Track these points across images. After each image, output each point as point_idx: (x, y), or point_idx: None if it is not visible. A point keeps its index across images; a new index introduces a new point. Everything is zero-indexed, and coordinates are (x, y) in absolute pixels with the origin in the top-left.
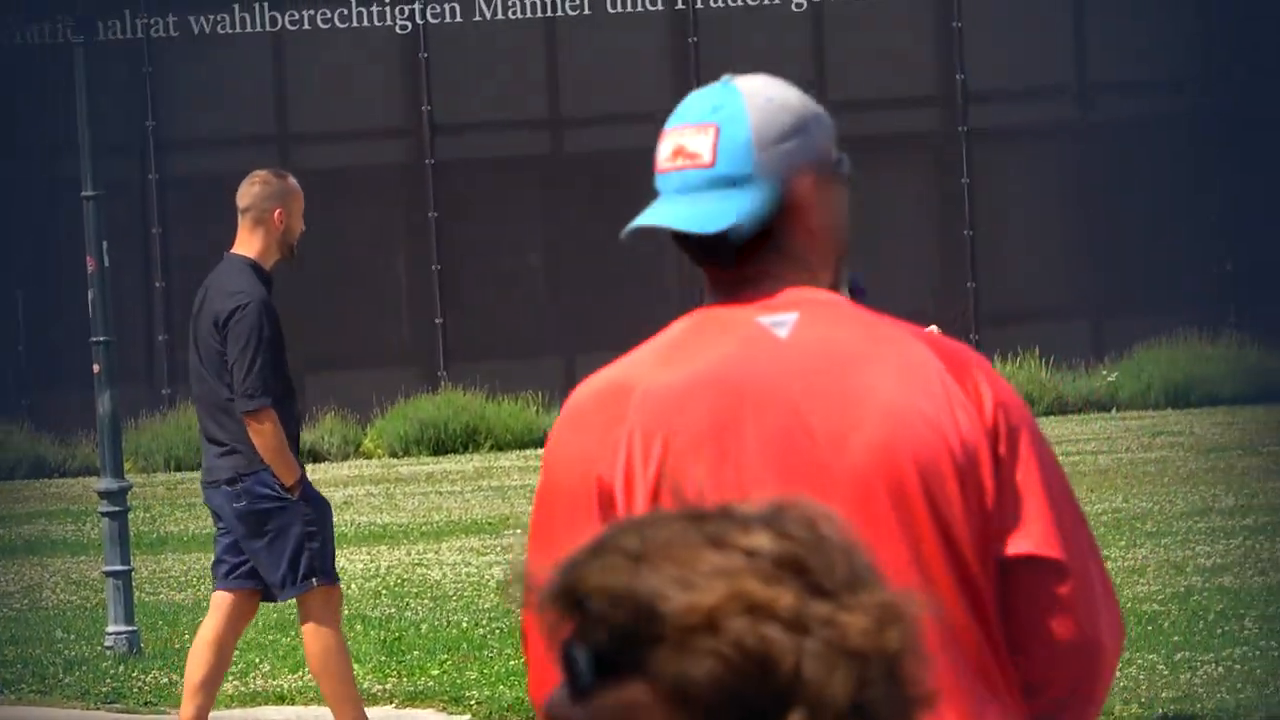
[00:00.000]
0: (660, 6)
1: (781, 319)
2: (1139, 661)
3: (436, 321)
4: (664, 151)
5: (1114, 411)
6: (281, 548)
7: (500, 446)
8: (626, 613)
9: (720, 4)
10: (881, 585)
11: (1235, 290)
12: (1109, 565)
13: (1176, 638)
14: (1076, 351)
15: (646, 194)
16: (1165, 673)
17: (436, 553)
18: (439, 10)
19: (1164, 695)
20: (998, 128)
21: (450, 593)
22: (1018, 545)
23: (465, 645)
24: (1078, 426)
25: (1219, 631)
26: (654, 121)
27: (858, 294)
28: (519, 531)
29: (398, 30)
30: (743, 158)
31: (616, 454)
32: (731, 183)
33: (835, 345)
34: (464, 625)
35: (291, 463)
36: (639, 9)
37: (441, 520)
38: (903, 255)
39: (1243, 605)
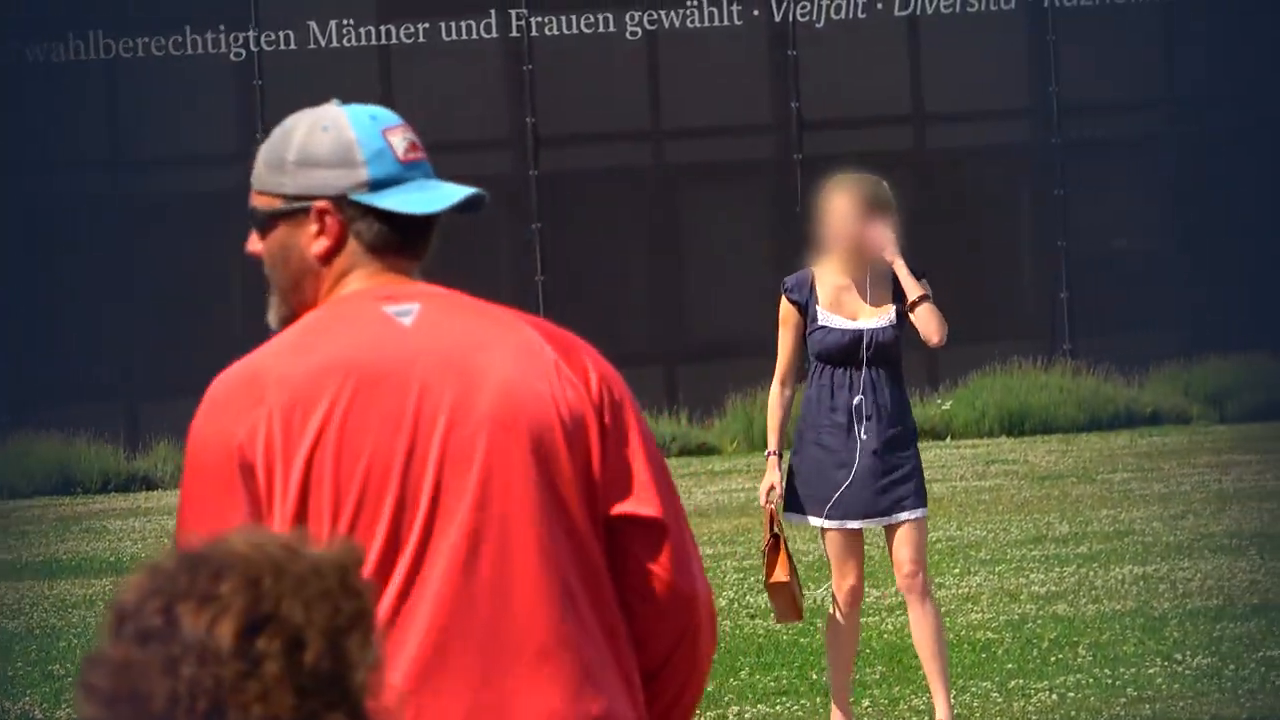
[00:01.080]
0: (495, 34)
1: (406, 309)
2: (973, 689)
3: None
4: (401, 145)
5: (949, 440)
6: None
7: None
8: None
9: (555, 32)
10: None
11: (1069, 318)
12: (943, 593)
13: (1010, 665)
14: (911, 379)
15: (483, 220)
16: (999, 700)
17: None
18: (274, 38)
19: None
20: (833, 156)
21: None
22: (621, 506)
23: None
24: None
25: (1053, 659)
26: (492, 149)
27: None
28: None
29: (232, 58)
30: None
31: (257, 434)
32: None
33: (455, 332)
34: None
35: None
36: (474, 37)
37: None
38: (739, 282)
39: (1076, 633)
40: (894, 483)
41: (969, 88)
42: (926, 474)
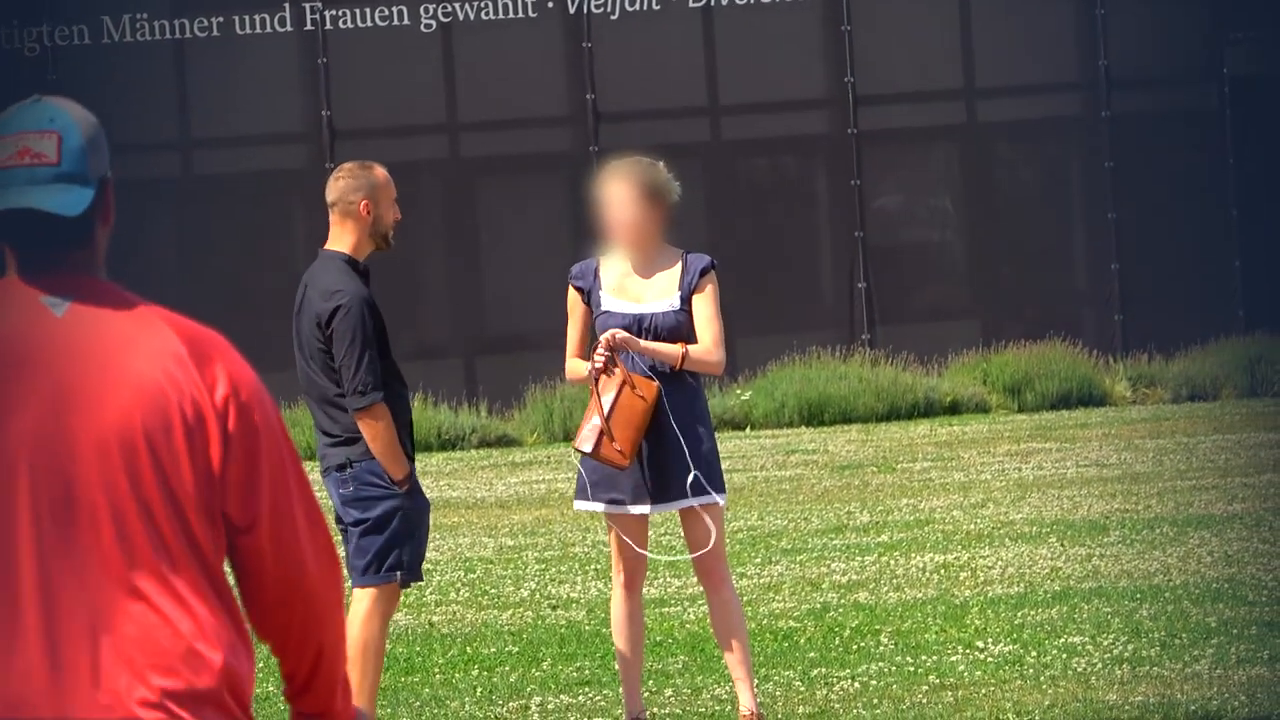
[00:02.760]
0: (290, 28)
1: (59, 300)
2: (775, 678)
3: None
4: (4, 151)
5: (748, 430)
6: (375, 537)
7: None
8: None
9: (350, 25)
10: None
11: (867, 309)
12: (745, 583)
13: (813, 654)
14: None
15: (280, 214)
16: (802, 689)
17: None
18: (67, 33)
19: (800, 711)
20: (629, 148)
21: None
22: (238, 500)
23: None
24: None
25: (854, 648)
26: (287, 143)
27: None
28: None
29: (26, 53)
30: (80, 160)
31: None
32: (73, 179)
33: (99, 327)
34: None
35: (401, 458)
36: (268, 30)
37: None
38: (538, 275)
39: (878, 621)
40: (679, 468)
41: (765, 78)
42: (726, 464)
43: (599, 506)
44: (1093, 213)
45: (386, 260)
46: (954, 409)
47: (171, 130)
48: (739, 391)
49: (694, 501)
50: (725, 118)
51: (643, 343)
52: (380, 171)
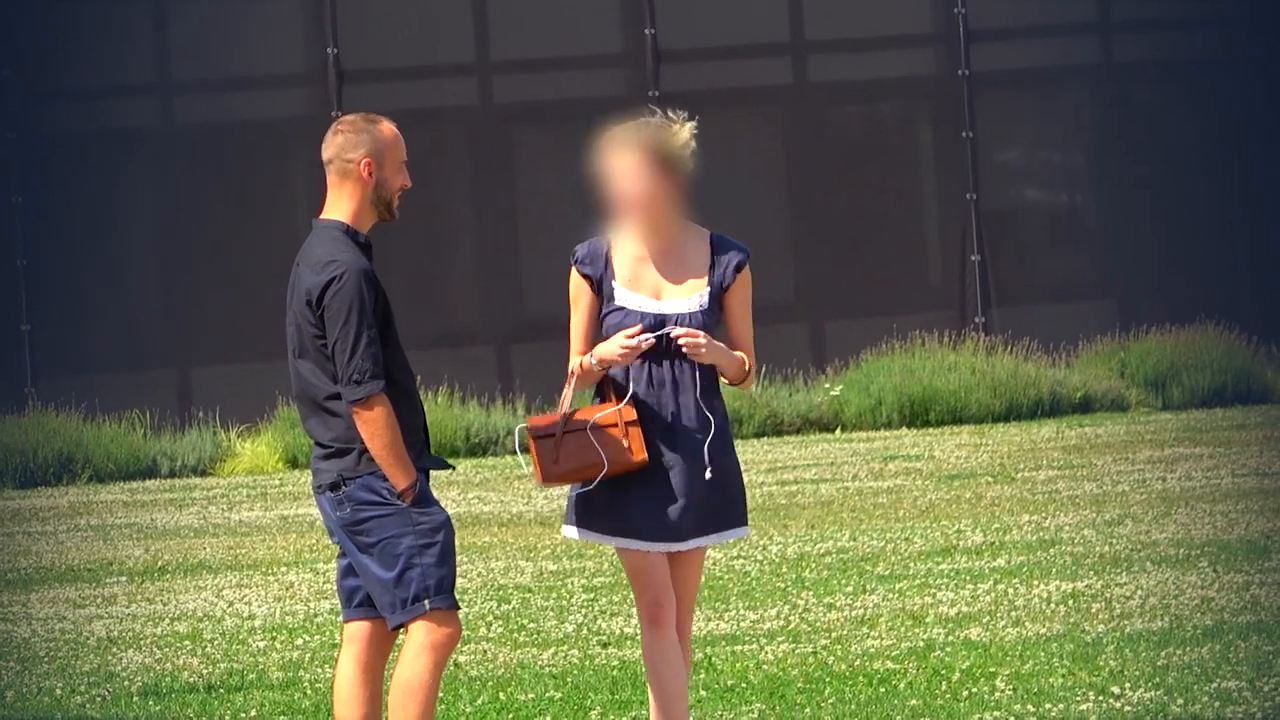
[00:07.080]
0: None
1: None
2: None
3: (22, 328)
4: None
5: (839, 432)
6: (389, 564)
7: (101, 477)
8: None
9: None
10: None
11: (982, 286)
12: (834, 615)
13: (914, 701)
14: (793, 360)
15: (277, 174)
16: None
17: (24, 605)
18: None
19: None
20: (695, 92)
21: (41, 653)
22: None
23: (59, 715)
24: (795, 450)
25: (965, 694)
26: (288, 86)
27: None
28: (124, 579)
29: None
30: None
31: None
32: None
33: None
34: (58, 692)
35: (406, 463)
36: None
37: (30, 566)
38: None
39: (993, 662)
40: (719, 500)
41: (859, 9)
42: (812, 471)
43: (601, 538)
44: (1254, 169)
45: (403, 230)
46: (1085, 407)
47: (149, 72)
48: (828, 386)
49: (714, 538)
50: (812, 56)
51: (715, 344)
52: (387, 126)
